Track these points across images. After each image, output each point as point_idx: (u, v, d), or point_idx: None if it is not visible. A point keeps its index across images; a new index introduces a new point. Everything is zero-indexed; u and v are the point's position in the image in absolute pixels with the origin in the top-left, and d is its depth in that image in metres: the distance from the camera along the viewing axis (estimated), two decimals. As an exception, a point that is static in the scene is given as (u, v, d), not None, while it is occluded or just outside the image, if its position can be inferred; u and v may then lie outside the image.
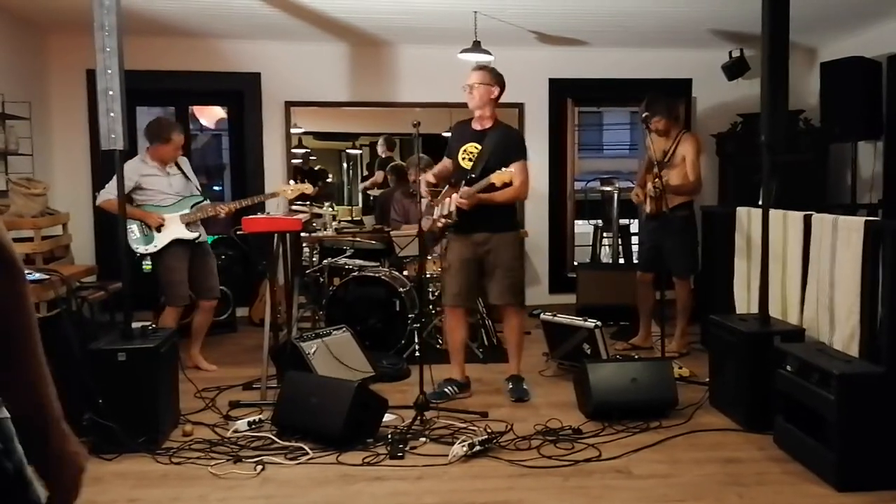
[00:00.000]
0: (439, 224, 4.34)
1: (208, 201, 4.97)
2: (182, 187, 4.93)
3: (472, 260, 4.31)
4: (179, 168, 4.95)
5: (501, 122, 4.37)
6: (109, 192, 4.63)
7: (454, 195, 4.21)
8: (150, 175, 4.81)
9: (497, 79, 4.29)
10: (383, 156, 7.73)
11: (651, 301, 5.46)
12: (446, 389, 4.34)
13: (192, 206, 4.89)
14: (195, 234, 4.88)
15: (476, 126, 4.34)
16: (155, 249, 4.78)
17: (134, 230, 4.75)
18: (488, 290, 4.40)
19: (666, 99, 5.36)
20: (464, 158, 4.31)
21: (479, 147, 4.27)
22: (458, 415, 4.00)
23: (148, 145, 4.90)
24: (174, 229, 4.81)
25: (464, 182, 4.22)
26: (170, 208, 4.84)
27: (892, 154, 5.75)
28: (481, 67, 4.34)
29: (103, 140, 3.61)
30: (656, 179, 4.92)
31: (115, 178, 4.51)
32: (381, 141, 7.74)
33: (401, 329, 5.23)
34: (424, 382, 4.00)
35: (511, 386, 4.38)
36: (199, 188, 5.06)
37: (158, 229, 4.79)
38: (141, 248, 4.78)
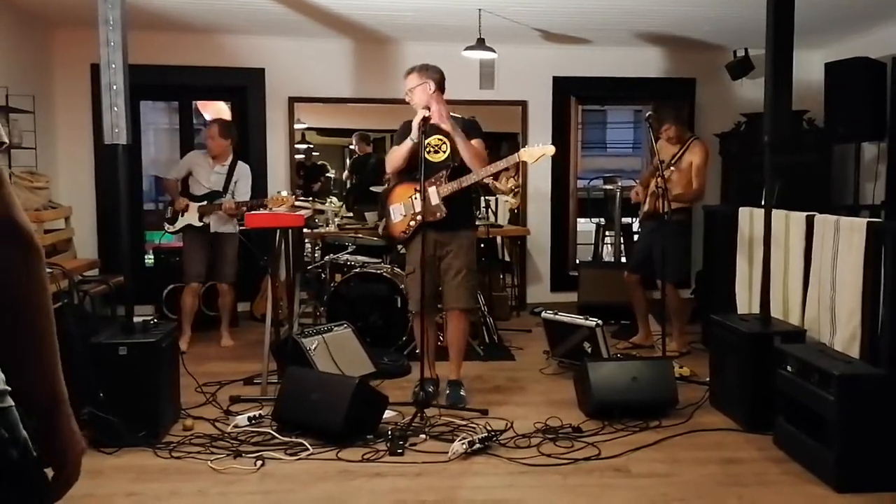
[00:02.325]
0: (415, 221, 4.15)
1: (224, 199, 5.46)
2: (219, 184, 5.49)
3: (433, 260, 4.16)
4: (231, 169, 5.53)
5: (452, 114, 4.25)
6: (168, 174, 5.66)
7: (433, 188, 4.06)
8: (198, 165, 5.55)
9: (429, 73, 4.15)
10: (360, 153, 7.54)
11: (643, 301, 5.47)
12: (428, 390, 4.18)
13: (212, 201, 5.45)
14: (202, 224, 5.43)
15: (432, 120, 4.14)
16: (173, 230, 5.52)
17: (169, 210, 5.59)
18: (443, 293, 4.25)
19: (672, 105, 5.34)
20: (429, 152, 4.13)
21: (445, 139, 4.15)
22: (459, 412, 4.01)
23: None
24: (190, 216, 5.45)
25: (445, 172, 4.08)
26: (199, 198, 5.48)
27: (895, 155, 5.74)
28: (411, 71, 4.16)
29: (107, 134, 3.61)
30: (660, 179, 4.91)
31: (179, 161, 5.83)
32: (355, 138, 7.48)
33: (402, 326, 5.23)
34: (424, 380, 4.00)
35: (448, 391, 4.24)
36: (233, 192, 5.49)
37: (182, 213, 5.45)
38: (166, 226, 5.56)
